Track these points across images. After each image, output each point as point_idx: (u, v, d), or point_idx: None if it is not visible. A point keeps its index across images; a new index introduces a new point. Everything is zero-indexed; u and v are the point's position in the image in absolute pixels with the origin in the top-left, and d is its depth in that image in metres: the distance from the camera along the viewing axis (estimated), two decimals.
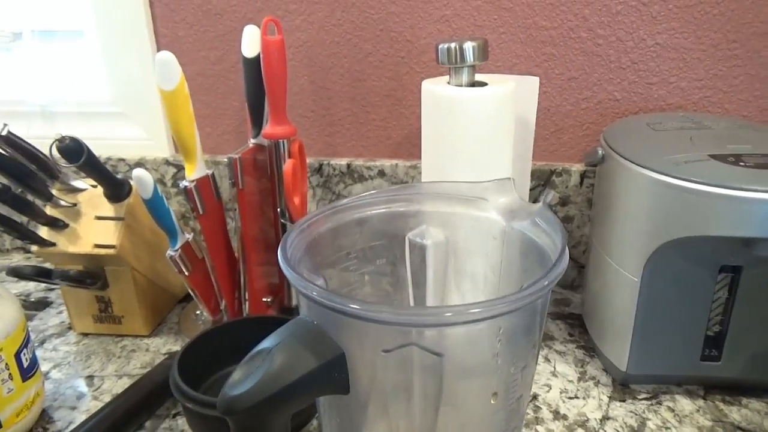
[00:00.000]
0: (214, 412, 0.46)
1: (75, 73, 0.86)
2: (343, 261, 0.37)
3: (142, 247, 0.66)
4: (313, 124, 0.79)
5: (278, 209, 0.64)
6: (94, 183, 0.65)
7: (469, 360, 0.28)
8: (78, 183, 0.64)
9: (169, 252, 0.60)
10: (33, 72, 0.87)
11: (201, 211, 0.58)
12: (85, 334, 0.69)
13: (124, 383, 0.60)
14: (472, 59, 0.54)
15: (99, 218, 0.63)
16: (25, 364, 0.52)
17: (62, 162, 0.55)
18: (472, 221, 0.38)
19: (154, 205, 0.56)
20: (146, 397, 0.54)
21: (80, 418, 0.56)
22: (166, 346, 0.67)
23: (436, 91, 0.54)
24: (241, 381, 0.26)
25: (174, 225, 0.58)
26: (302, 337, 0.27)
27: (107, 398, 0.58)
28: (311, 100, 0.77)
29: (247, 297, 0.67)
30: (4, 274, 0.81)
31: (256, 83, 0.61)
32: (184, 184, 0.56)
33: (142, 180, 0.54)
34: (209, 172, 0.60)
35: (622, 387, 0.57)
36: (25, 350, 0.52)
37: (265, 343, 0.27)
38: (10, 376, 0.50)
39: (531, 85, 0.61)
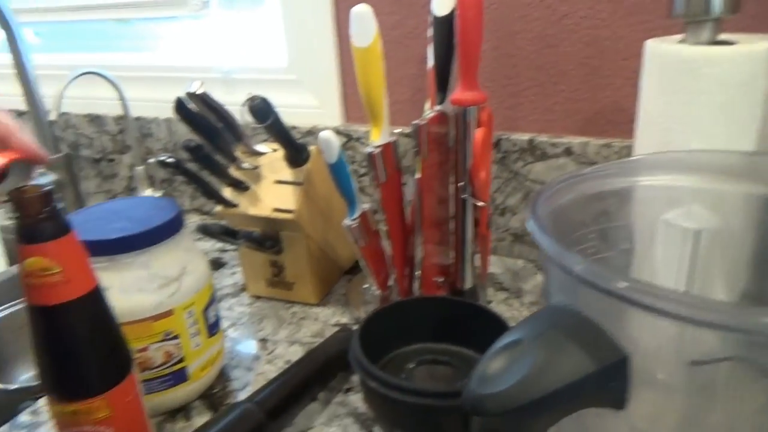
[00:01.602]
0: (397, 395, 0.43)
1: (255, 40, 0.88)
2: (581, 242, 0.31)
3: (317, 215, 0.65)
4: (492, 95, 0.72)
5: (459, 183, 0.59)
6: (275, 147, 0.64)
7: None
8: (260, 147, 0.64)
9: (347, 221, 0.57)
10: (218, 39, 0.90)
11: (383, 180, 0.55)
12: (257, 297, 0.70)
13: (296, 350, 0.60)
14: (718, 11, 0.44)
15: (278, 182, 0.63)
16: (211, 321, 0.52)
17: (251, 121, 0.55)
18: (751, 202, 0.29)
19: (338, 170, 0.53)
20: (321, 368, 0.52)
21: (255, 379, 0.56)
22: (334, 317, 0.65)
23: (669, 50, 0.45)
24: (497, 377, 0.21)
25: (354, 193, 0.56)
26: (569, 330, 0.21)
27: (280, 363, 0.58)
28: (492, 68, 0.71)
29: (418, 274, 0.63)
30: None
31: (446, 45, 0.56)
32: (368, 149, 0.53)
33: (329, 143, 0.51)
34: (393, 138, 0.56)
35: None
36: (211, 307, 0.52)
37: (517, 333, 0.22)
38: (198, 331, 0.50)
39: None
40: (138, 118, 0.93)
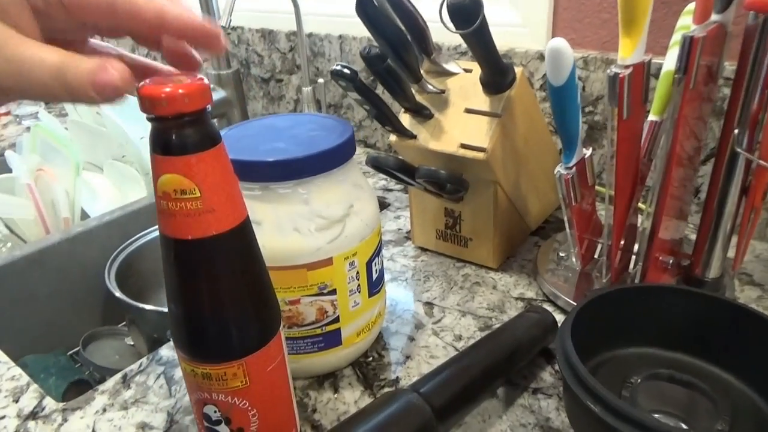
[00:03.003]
0: (625, 427, 0.29)
1: None
2: None
3: (511, 157, 0.51)
4: None
5: (734, 131, 0.41)
6: (468, 68, 0.51)
7: None
8: (450, 65, 0.51)
9: (560, 170, 0.43)
10: None
11: (625, 116, 0.39)
12: (424, 249, 0.59)
13: (468, 324, 0.48)
14: None
15: (469, 111, 0.49)
16: (374, 276, 0.42)
17: (450, 26, 0.42)
18: None
19: (566, 95, 0.39)
20: (507, 359, 0.40)
21: (417, 353, 0.45)
22: (517, 288, 0.52)
23: None
24: None
25: (579, 131, 0.41)
26: None
27: (448, 338, 0.46)
28: None
29: (639, 250, 0.47)
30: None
31: None
32: (614, 70, 0.37)
33: (560, 56, 0.37)
34: (647, 58, 0.39)
35: None
36: (376, 259, 0.42)
37: None
38: (359, 288, 0.40)
39: None
40: (310, 35, 0.85)
